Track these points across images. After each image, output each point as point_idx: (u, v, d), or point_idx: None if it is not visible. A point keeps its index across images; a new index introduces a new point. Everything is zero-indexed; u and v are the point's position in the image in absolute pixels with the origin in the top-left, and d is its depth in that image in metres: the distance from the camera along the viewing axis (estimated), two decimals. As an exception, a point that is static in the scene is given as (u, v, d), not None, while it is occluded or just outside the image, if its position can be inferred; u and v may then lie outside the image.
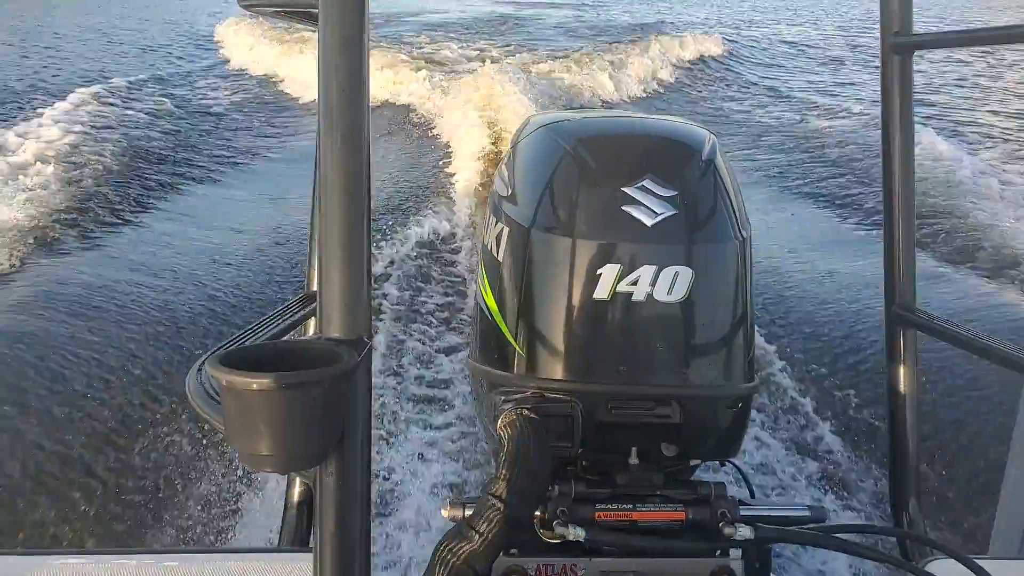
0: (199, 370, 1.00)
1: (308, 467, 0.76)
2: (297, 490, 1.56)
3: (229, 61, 16.54)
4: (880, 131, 1.67)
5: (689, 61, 15.94)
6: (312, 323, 1.51)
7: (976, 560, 1.35)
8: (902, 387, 1.71)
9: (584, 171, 1.41)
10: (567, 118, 1.63)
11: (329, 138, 0.84)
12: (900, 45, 1.61)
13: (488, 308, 1.53)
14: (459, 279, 6.10)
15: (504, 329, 1.46)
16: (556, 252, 1.40)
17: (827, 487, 3.58)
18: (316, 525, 0.78)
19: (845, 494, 3.54)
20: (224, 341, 1.13)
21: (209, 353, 1.06)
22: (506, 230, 1.49)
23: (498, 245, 1.51)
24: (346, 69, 0.85)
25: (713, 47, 17.20)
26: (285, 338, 1.32)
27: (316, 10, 0.91)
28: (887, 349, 1.72)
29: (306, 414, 0.72)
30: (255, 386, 0.70)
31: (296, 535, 1.54)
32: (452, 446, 3.90)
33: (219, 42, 18.45)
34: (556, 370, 1.40)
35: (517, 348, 1.43)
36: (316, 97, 0.98)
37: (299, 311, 1.41)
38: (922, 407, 1.74)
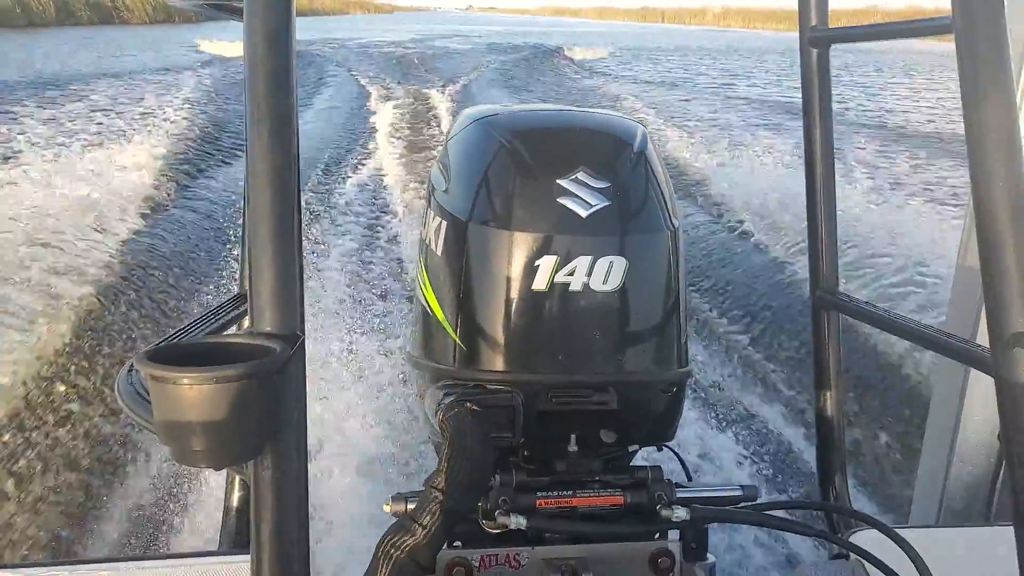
0: (129, 371, 0.95)
1: (242, 461, 0.73)
2: (237, 492, 1.51)
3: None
4: (803, 125, 1.69)
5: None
6: (246, 323, 1.47)
7: (896, 529, 1.39)
8: (826, 367, 1.74)
9: (519, 164, 1.40)
10: (499, 112, 1.61)
11: (257, 133, 0.80)
12: (817, 39, 1.64)
13: (428, 302, 1.50)
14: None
15: (444, 322, 1.44)
16: (493, 245, 1.38)
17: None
18: (253, 520, 0.75)
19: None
20: (157, 341, 1.08)
21: (140, 353, 1.01)
22: (444, 224, 1.46)
23: (436, 239, 1.49)
24: (272, 64, 0.82)
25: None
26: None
27: (241, 3, 0.87)
28: (813, 332, 1.75)
29: (239, 408, 0.69)
30: (186, 381, 0.67)
31: (237, 537, 1.49)
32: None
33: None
34: (496, 361, 1.38)
35: (457, 341, 1.41)
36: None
37: (232, 310, 1.36)
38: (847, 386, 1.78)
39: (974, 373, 1.91)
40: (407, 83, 18.87)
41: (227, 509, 1.51)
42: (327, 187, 8.93)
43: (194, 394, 0.67)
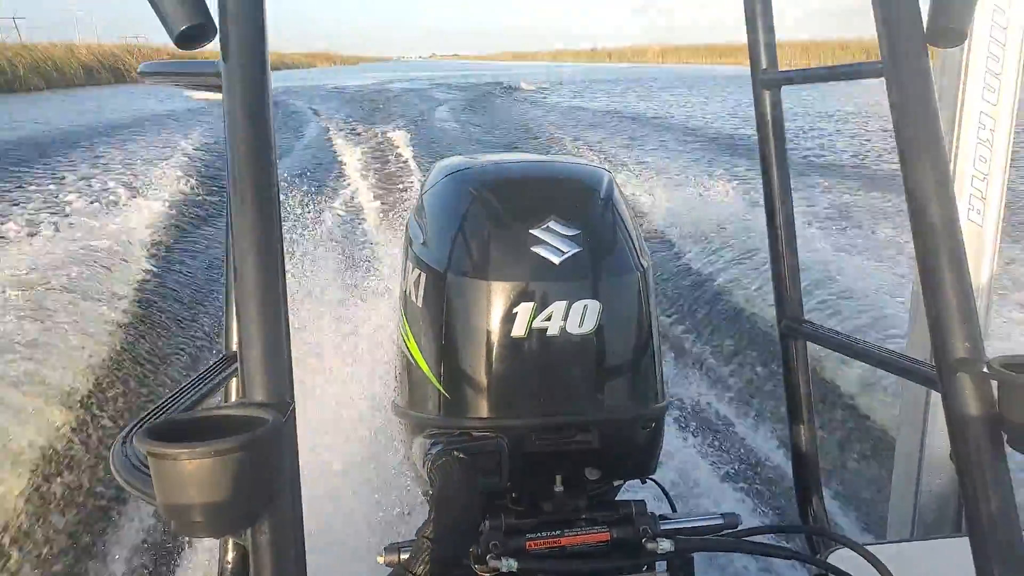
0: (123, 443, 0.96)
1: (240, 529, 0.75)
2: (231, 553, 1.50)
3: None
4: (760, 161, 1.76)
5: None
6: (234, 384, 1.48)
7: (872, 546, 1.43)
8: (797, 393, 1.78)
9: (492, 215, 1.44)
10: (471, 164, 1.65)
11: (240, 208, 0.83)
12: (768, 81, 1.71)
13: (411, 353, 1.53)
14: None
15: (428, 372, 1.46)
16: (472, 295, 1.41)
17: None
18: None
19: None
20: (148, 411, 1.10)
21: (133, 424, 1.02)
22: (423, 276, 1.50)
23: (416, 291, 1.51)
24: (252, 138, 0.85)
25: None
26: (209, 401, 1.29)
27: (219, 79, 0.90)
28: (782, 360, 1.80)
29: (236, 479, 0.71)
30: (184, 456, 0.69)
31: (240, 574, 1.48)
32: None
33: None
34: (480, 408, 1.40)
35: (441, 390, 1.43)
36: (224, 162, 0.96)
37: (220, 373, 1.37)
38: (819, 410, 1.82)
39: (934, 396, 1.97)
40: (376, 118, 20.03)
41: (221, 570, 1.50)
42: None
43: (193, 468, 0.69)
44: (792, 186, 1.77)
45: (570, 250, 1.38)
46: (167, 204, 9.39)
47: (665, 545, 1.39)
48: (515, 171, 1.63)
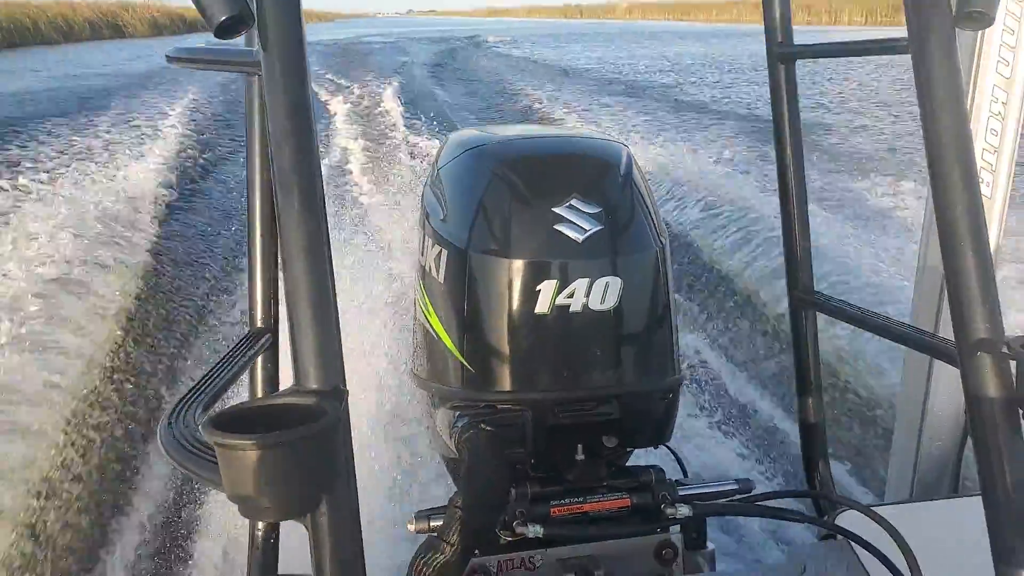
0: (170, 424, 0.98)
1: (304, 513, 0.78)
2: (261, 530, 1.54)
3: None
4: (773, 135, 1.76)
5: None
6: (260, 361, 1.50)
7: (876, 507, 1.48)
8: (806, 363, 1.82)
9: (515, 193, 1.45)
10: (488, 139, 1.65)
11: (285, 193, 0.84)
12: (784, 54, 1.70)
13: (432, 327, 1.55)
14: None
15: (451, 347, 1.49)
16: (495, 272, 1.42)
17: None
18: (314, 564, 0.80)
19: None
20: (189, 389, 1.12)
21: (178, 404, 1.04)
22: (444, 252, 1.51)
23: (437, 267, 1.53)
24: (294, 123, 0.86)
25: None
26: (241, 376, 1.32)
27: (254, 67, 0.90)
28: (792, 330, 1.83)
29: (299, 466, 0.73)
30: (251, 447, 0.71)
31: (263, 566, 1.52)
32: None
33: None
34: (505, 382, 1.43)
35: (465, 364, 1.46)
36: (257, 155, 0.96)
37: (250, 349, 1.40)
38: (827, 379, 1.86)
39: (939, 362, 2.01)
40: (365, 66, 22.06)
41: (252, 536, 1.53)
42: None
43: (260, 457, 0.72)
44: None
45: (592, 228, 1.39)
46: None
47: (683, 510, 1.44)
48: (535, 147, 1.63)
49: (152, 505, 3.53)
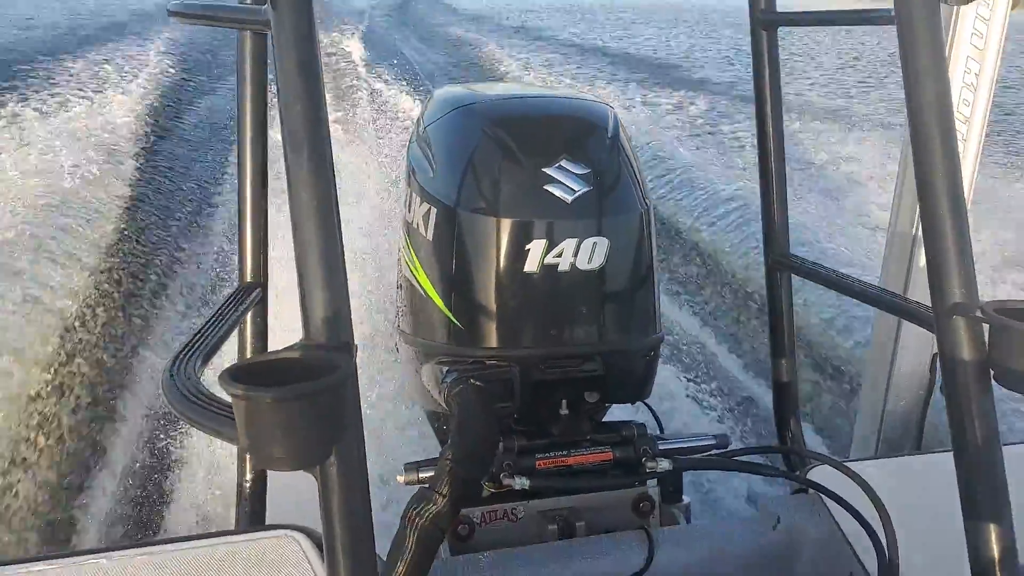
0: (172, 375, 1.00)
1: (315, 463, 0.80)
2: (249, 473, 1.56)
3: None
4: (753, 99, 1.78)
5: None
6: (250, 315, 1.52)
7: (845, 463, 1.54)
8: (781, 324, 1.87)
9: (505, 153, 1.46)
10: (476, 97, 1.65)
11: (294, 152, 0.85)
12: (766, 21, 1.72)
13: (420, 284, 1.56)
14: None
15: (440, 304, 1.50)
16: (484, 231, 1.44)
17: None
18: (323, 511, 0.82)
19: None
20: (186, 342, 1.14)
21: (177, 355, 1.06)
22: (433, 210, 1.52)
23: (426, 224, 1.54)
24: (303, 81, 0.86)
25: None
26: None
27: (261, 26, 0.90)
28: (767, 291, 1.87)
29: (313, 418, 0.75)
30: (269, 399, 0.73)
31: (253, 515, 1.55)
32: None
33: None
34: (492, 339, 1.46)
35: (454, 320, 1.48)
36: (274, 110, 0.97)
37: (242, 304, 1.41)
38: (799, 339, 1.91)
39: (905, 321, 2.07)
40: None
41: (241, 488, 1.56)
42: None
43: (276, 409, 0.74)
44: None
45: (581, 189, 1.41)
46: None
47: (663, 464, 1.49)
48: (524, 107, 1.64)
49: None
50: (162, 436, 3.48)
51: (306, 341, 0.84)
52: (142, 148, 7.45)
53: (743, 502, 2.74)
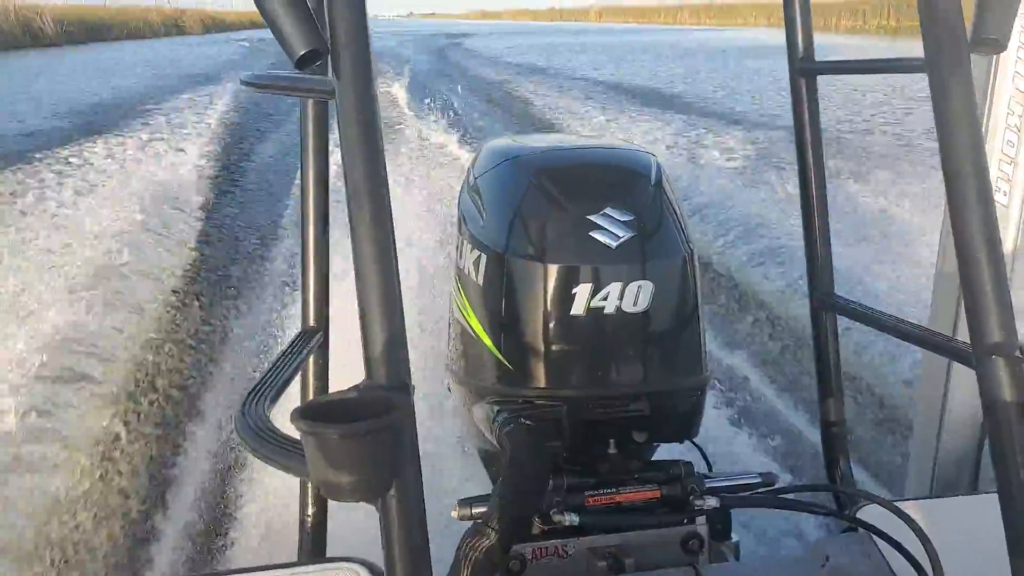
0: (244, 415, 1.08)
1: (379, 495, 0.86)
2: (311, 505, 1.63)
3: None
4: (795, 145, 1.82)
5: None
6: (313, 359, 1.60)
7: (897, 502, 1.53)
8: (827, 363, 1.87)
9: (551, 202, 1.52)
10: (524, 150, 1.73)
11: (356, 206, 0.92)
12: (805, 70, 1.77)
13: (471, 327, 1.63)
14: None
15: (490, 345, 1.57)
16: (532, 276, 1.50)
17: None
18: (384, 540, 0.88)
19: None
20: (256, 384, 1.22)
21: (249, 396, 1.14)
22: (483, 257, 1.59)
23: (476, 270, 1.61)
24: (364, 144, 0.94)
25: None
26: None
27: (328, 95, 0.99)
28: (813, 331, 1.88)
29: (376, 453, 0.82)
30: (336, 435, 0.79)
31: (314, 548, 1.61)
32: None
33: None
34: (541, 379, 1.51)
35: (504, 362, 1.54)
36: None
37: (305, 347, 1.50)
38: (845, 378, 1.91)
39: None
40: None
41: (303, 522, 1.63)
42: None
43: (343, 445, 0.80)
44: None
45: (625, 235, 1.46)
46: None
47: (712, 502, 1.51)
48: (569, 158, 1.71)
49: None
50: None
51: (368, 381, 0.91)
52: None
53: (788, 537, 2.72)
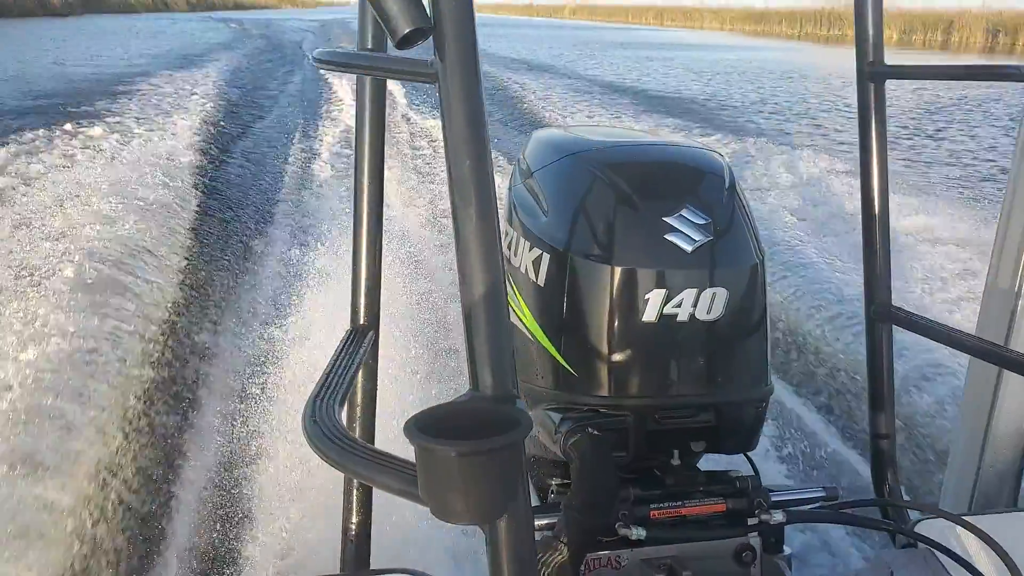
0: (315, 421, 1.00)
1: (492, 518, 0.79)
2: (355, 515, 1.55)
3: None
4: (859, 150, 1.76)
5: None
6: (361, 351, 1.52)
7: (962, 517, 1.48)
8: (880, 375, 1.82)
9: (623, 200, 1.45)
10: (589, 144, 1.63)
11: (460, 200, 0.85)
12: (874, 74, 1.70)
13: (529, 329, 1.55)
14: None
15: (550, 349, 1.49)
16: (599, 277, 1.43)
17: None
18: (491, 565, 0.81)
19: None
20: (318, 386, 1.15)
21: (314, 401, 1.07)
22: (544, 255, 1.51)
23: (535, 269, 1.53)
24: (469, 130, 0.86)
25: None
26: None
27: (423, 71, 0.91)
28: (868, 342, 1.83)
29: (493, 473, 0.74)
30: (454, 453, 0.72)
31: (358, 558, 1.54)
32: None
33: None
34: (606, 386, 1.44)
35: (565, 365, 1.46)
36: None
37: (359, 347, 1.42)
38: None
39: (1005, 372, 2.00)
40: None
41: (346, 531, 1.54)
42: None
43: (459, 463, 0.72)
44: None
45: (701, 239, 1.40)
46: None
47: (777, 516, 1.45)
48: (640, 154, 1.63)
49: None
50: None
51: (473, 392, 0.83)
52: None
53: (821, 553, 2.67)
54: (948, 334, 1.57)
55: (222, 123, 11.71)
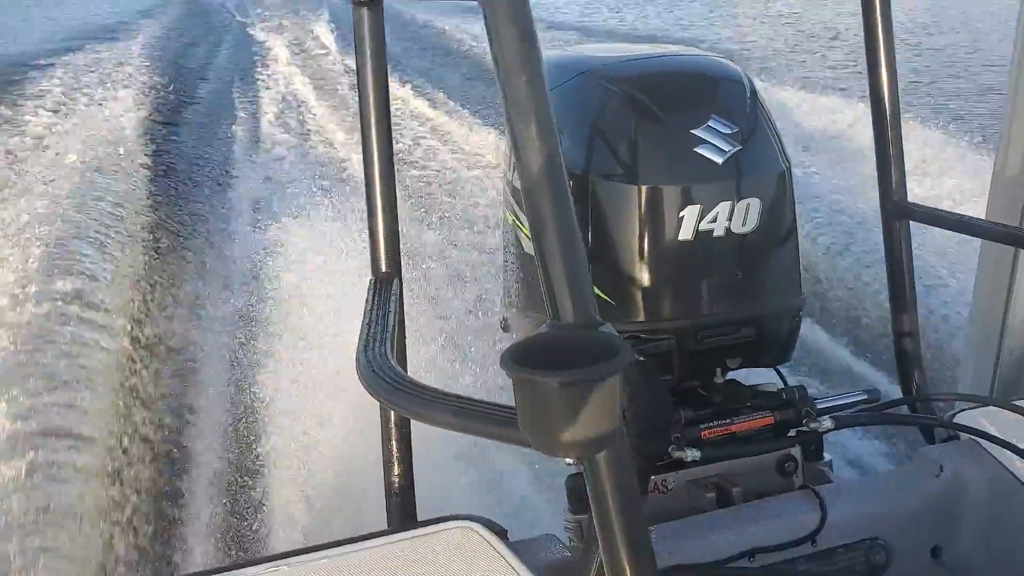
0: (368, 360, 0.97)
1: (594, 452, 0.75)
2: (396, 472, 1.51)
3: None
4: (864, 45, 1.70)
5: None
6: (392, 304, 1.46)
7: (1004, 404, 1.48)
8: (901, 273, 1.80)
9: (647, 116, 1.38)
10: (601, 61, 1.55)
11: (523, 132, 0.79)
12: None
13: None
14: None
15: None
16: (625, 198, 1.37)
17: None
18: (593, 498, 0.78)
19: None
20: (364, 334, 1.11)
21: (364, 347, 1.02)
22: None
23: None
24: (523, 64, 0.80)
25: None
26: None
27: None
28: (884, 239, 1.80)
29: (599, 402, 0.70)
30: (556, 384, 0.68)
31: (403, 514, 1.50)
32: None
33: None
34: (646, 311, 1.40)
35: (602, 296, 1.41)
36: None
37: (391, 292, 1.37)
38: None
39: (1022, 256, 1.99)
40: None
41: (389, 486, 1.51)
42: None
43: (562, 393, 0.68)
44: None
45: (731, 149, 1.34)
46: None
47: (826, 424, 1.43)
48: (656, 67, 1.55)
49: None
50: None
51: (555, 321, 0.78)
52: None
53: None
54: (971, 224, 1.55)
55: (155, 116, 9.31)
